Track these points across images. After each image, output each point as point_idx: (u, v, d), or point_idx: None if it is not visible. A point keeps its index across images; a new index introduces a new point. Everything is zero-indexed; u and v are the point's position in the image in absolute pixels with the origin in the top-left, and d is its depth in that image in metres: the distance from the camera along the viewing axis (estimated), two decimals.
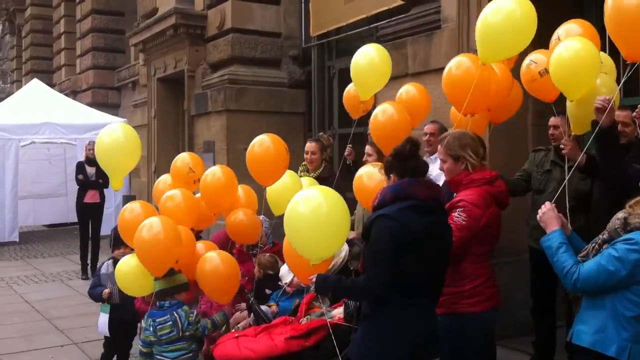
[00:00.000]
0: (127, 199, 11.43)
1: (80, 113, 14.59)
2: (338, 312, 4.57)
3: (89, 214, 10.69)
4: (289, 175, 5.43)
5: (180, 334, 4.53)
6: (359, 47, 8.89)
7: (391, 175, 3.54)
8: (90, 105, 16.36)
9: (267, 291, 5.56)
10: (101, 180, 10.75)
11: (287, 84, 10.60)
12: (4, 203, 13.34)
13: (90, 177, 10.62)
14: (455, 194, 4.03)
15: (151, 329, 4.55)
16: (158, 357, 4.58)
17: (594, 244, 3.19)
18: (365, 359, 3.43)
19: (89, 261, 10.48)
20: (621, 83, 3.93)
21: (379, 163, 4.49)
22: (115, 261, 5.38)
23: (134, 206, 5.06)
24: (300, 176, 6.31)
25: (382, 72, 5.46)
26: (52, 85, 18.79)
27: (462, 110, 4.42)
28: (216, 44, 10.69)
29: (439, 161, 5.58)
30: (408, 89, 5.45)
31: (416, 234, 3.30)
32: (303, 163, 6.78)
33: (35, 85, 15.48)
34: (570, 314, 4.59)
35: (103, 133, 5.37)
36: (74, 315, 7.90)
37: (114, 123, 5.69)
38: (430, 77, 6.56)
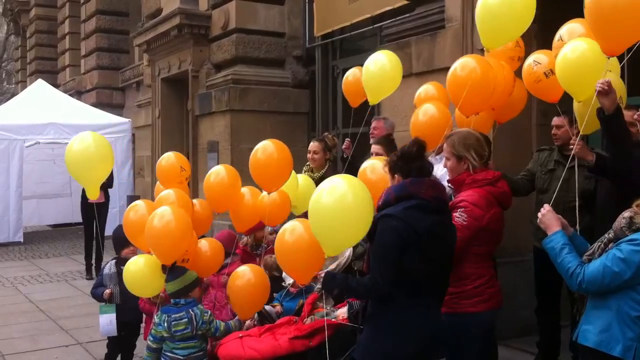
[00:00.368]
0: (132, 199, 11.42)
1: (84, 113, 14.61)
2: (342, 312, 4.56)
3: (94, 213, 10.69)
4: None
5: (194, 332, 4.56)
6: (363, 47, 8.93)
7: (396, 175, 3.54)
8: (95, 105, 16.39)
9: (274, 294, 5.57)
10: (106, 181, 10.76)
11: (291, 84, 10.60)
12: (8, 203, 13.38)
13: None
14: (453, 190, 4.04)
15: (165, 324, 4.56)
16: (168, 354, 4.59)
17: (599, 243, 3.19)
18: (371, 359, 3.43)
19: (93, 261, 10.49)
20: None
21: (383, 157, 4.49)
22: (118, 261, 5.39)
23: (139, 206, 5.07)
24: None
25: (393, 78, 5.49)
26: (56, 86, 18.82)
27: (461, 109, 4.42)
28: (220, 44, 10.70)
29: (444, 161, 5.60)
30: (427, 89, 5.44)
31: (421, 233, 3.30)
32: (307, 163, 6.78)
33: (39, 86, 15.51)
34: (573, 311, 4.58)
35: (73, 142, 5.33)
36: (79, 316, 7.91)
37: (84, 132, 5.63)
38: (434, 76, 6.55)
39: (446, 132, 4.54)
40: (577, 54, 3.93)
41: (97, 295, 5.52)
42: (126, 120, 14.77)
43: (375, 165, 4.47)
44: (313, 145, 6.75)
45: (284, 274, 5.49)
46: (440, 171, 5.43)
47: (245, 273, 4.93)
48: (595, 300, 3.15)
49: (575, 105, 4.17)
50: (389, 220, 3.32)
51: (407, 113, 6.32)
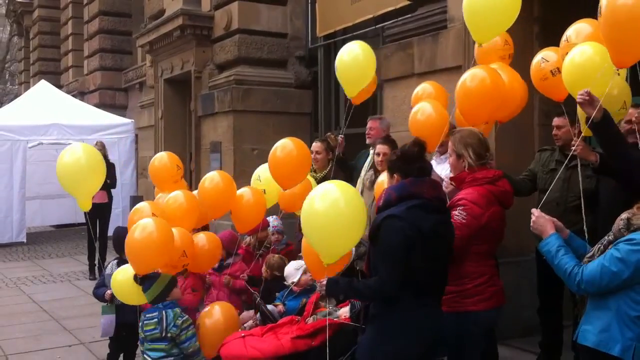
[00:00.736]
0: (135, 199, 11.49)
1: (87, 114, 14.64)
2: (344, 311, 4.57)
3: (97, 214, 10.70)
4: None
5: (163, 334, 4.53)
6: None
7: (395, 175, 3.54)
8: (98, 106, 16.41)
9: (276, 294, 5.58)
10: (109, 181, 10.78)
11: (294, 85, 10.60)
12: (11, 204, 13.41)
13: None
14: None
15: (141, 324, 4.60)
16: (145, 355, 4.64)
17: (600, 245, 3.20)
18: (374, 359, 3.42)
19: (96, 261, 10.50)
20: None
21: None
22: (120, 262, 5.40)
23: (143, 207, 5.09)
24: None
25: (366, 67, 5.44)
26: (59, 87, 18.86)
27: (467, 119, 4.44)
28: (223, 45, 10.71)
29: (447, 161, 5.60)
30: (425, 87, 5.44)
31: (425, 233, 3.31)
32: None
33: (42, 87, 15.55)
34: (575, 312, 4.58)
35: (63, 154, 5.34)
36: (82, 316, 7.93)
37: (75, 143, 5.64)
38: (436, 77, 6.56)
39: (445, 130, 4.58)
40: (584, 58, 3.91)
41: (98, 295, 5.54)
42: (129, 120, 14.79)
43: None
44: (315, 145, 6.75)
45: (285, 273, 5.50)
46: (445, 171, 5.44)
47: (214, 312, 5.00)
48: (595, 301, 3.16)
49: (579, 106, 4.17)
50: (393, 220, 3.32)
51: (408, 113, 6.31)
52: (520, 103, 4.88)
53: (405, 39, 7.13)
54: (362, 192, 6.37)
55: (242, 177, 8.49)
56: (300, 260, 5.46)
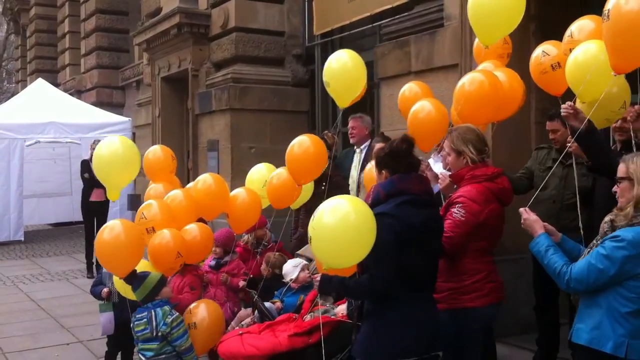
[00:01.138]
0: (132, 197, 11.47)
1: (84, 112, 14.64)
2: (342, 309, 4.59)
3: (95, 212, 10.72)
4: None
5: (154, 333, 4.52)
6: (362, 45, 8.93)
7: (383, 172, 3.55)
8: (95, 104, 16.41)
9: (275, 292, 5.60)
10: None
11: (291, 83, 10.60)
12: (9, 202, 13.41)
13: (96, 176, 10.64)
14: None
15: (132, 325, 4.61)
16: (140, 354, 4.65)
17: (588, 249, 3.23)
18: (372, 356, 3.44)
19: (94, 260, 10.50)
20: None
21: None
22: None
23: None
24: None
25: (357, 77, 5.34)
26: (56, 85, 18.83)
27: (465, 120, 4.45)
28: (220, 43, 10.71)
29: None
30: (411, 87, 5.45)
31: (416, 228, 3.32)
32: None
33: (39, 85, 15.53)
34: (573, 312, 4.60)
35: (101, 145, 5.36)
36: (80, 314, 7.94)
37: (113, 136, 5.66)
38: (433, 75, 6.58)
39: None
40: (588, 56, 3.90)
41: (96, 293, 5.55)
42: (126, 119, 14.79)
43: None
44: None
45: (284, 271, 5.52)
46: (442, 169, 5.45)
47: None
48: (586, 299, 3.18)
49: (578, 103, 4.18)
50: (383, 218, 3.31)
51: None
52: (520, 103, 4.89)
53: (402, 37, 7.14)
54: (358, 191, 6.41)
55: (240, 175, 8.50)
56: (298, 258, 5.49)
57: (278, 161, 5.72)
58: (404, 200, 3.37)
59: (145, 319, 4.55)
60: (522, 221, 3.45)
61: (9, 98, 20.46)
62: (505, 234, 4.16)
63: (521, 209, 3.49)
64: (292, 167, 5.24)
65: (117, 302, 5.38)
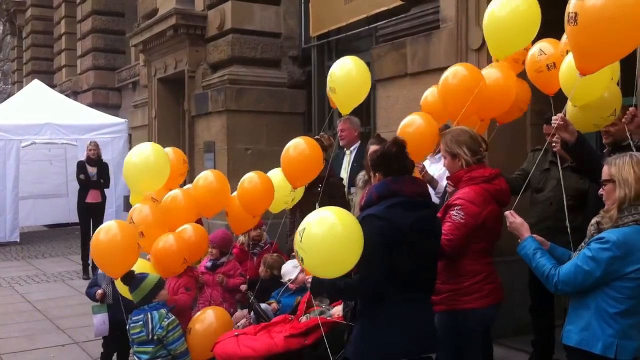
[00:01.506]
0: (128, 199, 11.44)
1: (80, 114, 14.62)
2: (337, 310, 4.59)
3: (91, 213, 10.72)
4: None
5: (150, 336, 4.51)
6: (358, 47, 8.94)
7: (377, 174, 3.57)
8: (91, 105, 16.39)
9: (272, 293, 5.61)
10: (102, 180, 10.80)
11: (287, 84, 10.61)
12: (5, 203, 13.39)
13: (92, 177, 10.67)
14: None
15: (128, 327, 4.60)
16: (135, 356, 4.65)
17: (578, 251, 3.25)
18: (363, 356, 3.45)
19: (90, 261, 10.49)
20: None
21: None
22: None
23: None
24: None
25: (363, 84, 5.37)
26: (52, 86, 18.81)
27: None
28: (216, 44, 10.71)
29: (441, 161, 5.62)
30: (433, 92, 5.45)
31: (405, 231, 3.33)
32: None
33: (36, 86, 15.52)
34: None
35: (132, 153, 5.35)
36: (75, 315, 7.92)
37: (144, 143, 5.66)
38: (429, 76, 6.58)
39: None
40: None
41: (90, 295, 5.55)
42: (122, 120, 14.77)
43: None
44: None
45: (282, 271, 5.52)
46: (438, 171, 5.46)
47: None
48: (575, 301, 3.21)
49: (569, 104, 4.19)
50: (372, 220, 3.35)
51: (401, 113, 6.33)
52: (520, 105, 4.87)
53: (398, 39, 7.15)
54: (349, 191, 6.43)
55: (236, 177, 8.47)
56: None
57: (274, 163, 5.73)
58: (396, 202, 3.38)
59: (141, 322, 4.54)
60: (508, 224, 3.48)
61: (5, 99, 20.40)
62: (501, 235, 4.16)
63: (506, 212, 3.52)
64: (287, 169, 5.24)
65: (111, 303, 5.38)
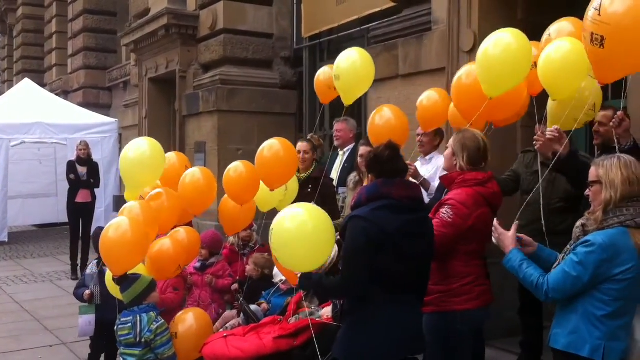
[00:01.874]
0: (118, 199, 11.43)
1: (71, 113, 14.54)
2: (327, 311, 4.58)
3: (80, 213, 10.66)
4: None
5: (137, 339, 4.46)
6: (350, 48, 8.90)
7: (370, 175, 3.59)
8: (82, 105, 16.31)
9: (262, 292, 5.58)
10: (92, 180, 10.75)
11: (279, 85, 10.60)
12: None
13: (82, 177, 10.61)
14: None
15: (116, 328, 4.56)
16: (122, 358, 4.60)
17: (563, 255, 3.24)
18: (349, 356, 3.46)
19: (78, 261, 10.45)
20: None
21: None
22: (100, 261, 5.35)
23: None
24: None
25: (366, 75, 5.43)
26: (43, 85, 18.74)
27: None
28: (208, 45, 10.69)
29: (432, 162, 5.64)
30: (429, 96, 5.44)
31: (391, 233, 3.33)
32: None
33: (26, 85, 15.42)
34: None
35: (128, 148, 5.30)
36: (63, 316, 7.87)
37: (140, 138, 5.62)
38: (420, 78, 6.60)
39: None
40: (560, 54, 3.96)
41: (78, 295, 5.50)
42: (113, 120, 14.71)
43: None
44: (303, 145, 6.72)
45: (275, 272, 5.50)
46: (429, 172, 5.47)
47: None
48: (563, 304, 3.19)
49: (550, 102, 4.20)
50: (357, 221, 3.37)
51: None
52: (520, 110, 4.87)
53: (390, 41, 7.16)
54: (337, 191, 6.42)
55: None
56: None
57: None
58: (383, 204, 3.39)
59: (130, 324, 4.49)
60: (495, 235, 3.47)
61: None
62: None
63: (495, 223, 3.50)
64: (262, 171, 5.19)
65: (99, 304, 5.34)
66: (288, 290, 5.30)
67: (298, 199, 5.78)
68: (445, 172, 4.15)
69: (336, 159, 6.92)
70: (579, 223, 3.21)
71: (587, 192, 3.21)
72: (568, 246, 3.23)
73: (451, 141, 4.07)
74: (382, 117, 5.27)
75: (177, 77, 11.20)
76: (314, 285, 3.63)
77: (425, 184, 5.35)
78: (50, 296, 9.14)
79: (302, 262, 3.59)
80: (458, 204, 3.82)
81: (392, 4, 7.55)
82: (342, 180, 6.41)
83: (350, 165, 6.50)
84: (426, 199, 5.15)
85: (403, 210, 3.42)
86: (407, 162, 4.98)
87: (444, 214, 3.81)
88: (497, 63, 4.17)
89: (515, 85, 4.26)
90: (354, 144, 6.80)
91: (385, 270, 3.34)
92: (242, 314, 5.30)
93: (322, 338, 4.31)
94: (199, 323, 4.97)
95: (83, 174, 10.59)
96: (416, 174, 5.34)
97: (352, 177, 5.97)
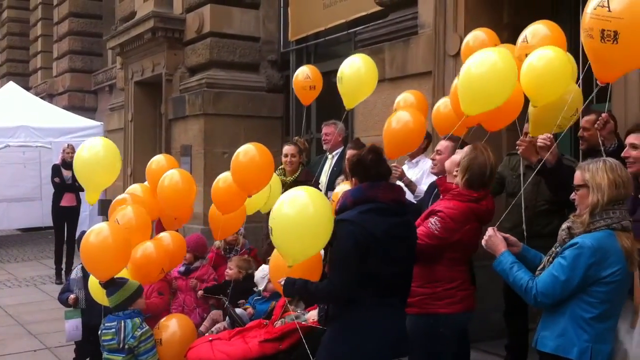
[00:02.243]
0: (103, 203, 11.32)
1: (56, 116, 14.44)
2: (312, 315, 4.56)
3: (65, 217, 10.59)
4: None
5: (121, 345, 4.43)
6: (337, 51, 8.95)
7: (353, 179, 3.57)
8: (67, 108, 16.21)
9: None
10: (77, 184, 10.66)
11: (266, 88, 10.59)
12: None
13: (67, 180, 10.53)
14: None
15: (100, 332, 4.52)
16: None
17: (548, 257, 3.24)
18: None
19: (63, 265, 10.37)
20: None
21: None
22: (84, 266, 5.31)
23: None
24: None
25: (369, 83, 5.54)
26: (28, 88, 18.59)
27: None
28: (194, 48, 10.66)
29: (419, 165, 5.65)
30: (406, 97, 5.44)
31: (379, 237, 3.33)
32: (280, 167, 6.77)
33: (10, 88, 15.29)
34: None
35: (83, 147, 5.28)
36: (48, 320, 7.81)
37: (95, 137, 5.60)
38: (407, 82, 6.61)
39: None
40: (543, 63, 3.95)
41: (63, 300, 5.47)
42: (98, 123, 14.61)
43: None
44: (289, 148, 6.73)
45: (255, 279, 5.48)
46: (417, 175, 5.48)
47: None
48: (550, 306, 3.19)
49: (530, 107, 4.22)
50: (345, 225, 3.36)
51: (380, 117, 6.35)
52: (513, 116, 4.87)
53: (376, 44, 7.17)
54: (326, 195, 6.41)
55: (213, 181, 8.43)
56: (266, 268, 5.43)
57: None
58: (370, 208, 3.39)
59: (113, 329, 4.46)
60: (485, 238, 3.46)
61: None
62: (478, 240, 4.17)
63: (489, 228, 3.51)
64: (237, 177, 5.17)
65: (84, 308, 5.31)
66: (271, 295, 5.29)
67: None
68: (436, 172, 4.13)
69: (325, 162, 6.91)
70: (564, 226, 3.21)
71: (572, 195, 3.22)
72: (553, 248, 3.24)
73: (463, 153, 3.98)
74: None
75: (163, 80, 11.15)
76: (299, 291, 3.60)
77: (412, 186, 5.37)
78: (34, 300, 9.07)
79: (302, 245, 3.53)
80: (447, 217, 3.82)
81: (379, 8, 7.57)
82: (332, 184, 6.40)
83: (339, 169, 6.50)
84: (412, 201, 5.17)
85: (389, 213, 3.42)
86: (394, 164, 5.03)
87: (432, 225, 3.80)
88: (480, 84, 4.09)
89: (496, 106, 4.16)
90: (342, 147, 6.80)
91: (372, 274, 3.34)
92: (227, 318, 5.28)
93: (308, 342, 4.30)
94: (183, 330, 4.94)
95: (68, 177, 10.51)
96: (402, 177, 5.34)
97: (340, 180, 5.97)
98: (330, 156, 6.86)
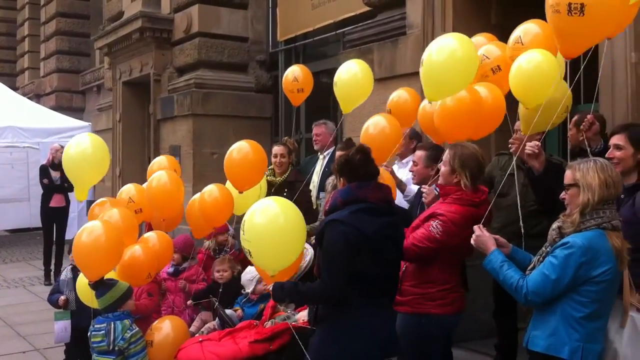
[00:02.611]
0: (91, 204, 11.28)
1: (43, 117, 14.37)
2: (302, 315, 4.57)
3: (54, 218, 10.54)
4: None
5: (111, 347, 4.42)
6: (326, 52, 8.96)
7: (341, 179, 3.58)
8: (54, 109, 16.13)
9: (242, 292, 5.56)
10: (66, 184, 10.61)
11: (254, 89, 10.59)
12: None
13: (55, 181, 10.48)
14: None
15: (89, 334, 4.51)
16: None
17: (539, 257, 3.26)
18: None
19: (52, 267, 10.32)
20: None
21: None
22: (74, 267, 5.30)
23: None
24: (268, 180, 6.31)
25: (365, 87, 5.54)
26: (15, 89, 18.48)
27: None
28: (183, 48, 10.64)
29: (409, 165, 5.67)
30: (400, 94, 5.45)
31: (370, 236, 3.34)
32: (270, 167, 6.77)
33: None
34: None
35: (71, 144, 5.27)
36: (37, 322, 7.77)
37: (82, 133, 5.58)
38: (395, 82, 6.62)
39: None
40: (532, 65, 3.96)
41: (53, 301, 5.45)
42: (86, 124, 14.55)
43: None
44: (279, 149, 6.72)
45: (242, 282, 5.47)
46: (407, 175, 5.49)
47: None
48: (540, 306, 3.21)
49: (521, 108, 4.24)
50: (336, 225, 3.35)
51: (368, 118, 6.34)
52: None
53: (365, 45, 7.19)
54: (318, 196, 6.42)
55: (202, 181, 8.44)
56: (254, 270, 5.44)
57: None
58: (360, 208, 3.40)
59: (103, 331, 4.44)
60: (474, 237, 3.47)
61: None
62: (467, 240, 4.18)
63: (475, 227, 3.51)
64: (230, 173, 5.19)
65: (74, 310, 5.29)
66: (259, 298, 5.29)
67: None
68: (417, 182, 4.14)
69: (316, 162, 6.91)
70: (554, 225, 3.23)
71: (562, 195, 3.24)
72: (543, 248, 3.25)
73: (446, 157, 4.01)
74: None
75: (151, 80, 11.13)
76: (288, 294, 3.59)
77: (402, 186, 5.38)
78: (23, 302, 9.02)
79: (274, 256, 3.59)
80: (449, 222, 3.83)
81: (367, 9, 7.58)
82: (324, 185, 6.42)
83: (330, 170, 6.51)
84: (402, 201, 5.18)
85: (379, 213, 3.44)
86: (384, 164, 5.04)
87: (434, 228, 3.81)
88: (441, 70, 4.13)
89: (456, 93, 4.22)
90: (334, 147, 6.81)
91: (363, 274, 3.35)
92: (217, 319, 5.28)
93: (297, 342, 4.32)
94: (176, 332, 4.93)
95: (56, 178, 10.46)
96: (392, 176, 5.35)
97: (330, 180, 5.98)
98: (321, 157, 6.86)
